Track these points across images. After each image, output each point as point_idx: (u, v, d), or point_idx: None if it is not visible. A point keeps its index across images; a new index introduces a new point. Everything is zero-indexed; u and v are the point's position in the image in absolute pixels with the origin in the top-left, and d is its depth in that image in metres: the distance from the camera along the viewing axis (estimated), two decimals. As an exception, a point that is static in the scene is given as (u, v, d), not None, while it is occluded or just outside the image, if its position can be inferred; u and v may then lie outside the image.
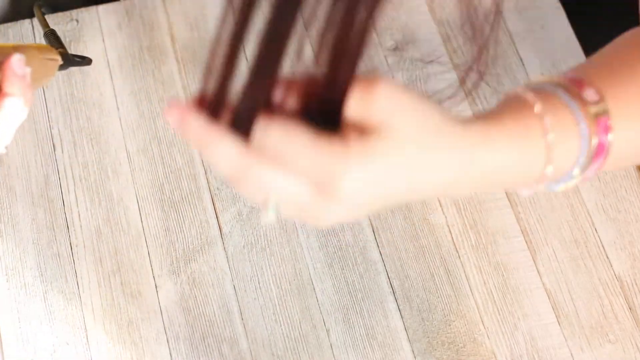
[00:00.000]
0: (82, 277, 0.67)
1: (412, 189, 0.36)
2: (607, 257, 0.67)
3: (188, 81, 0.74)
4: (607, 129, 0.39)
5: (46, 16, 0.77)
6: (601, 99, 0.39)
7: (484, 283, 0.67)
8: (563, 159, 0.39)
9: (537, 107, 0.38)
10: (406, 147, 0.33)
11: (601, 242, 0.68)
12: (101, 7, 0.78)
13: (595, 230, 0.68)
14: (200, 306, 0.66)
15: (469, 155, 0.37)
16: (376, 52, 0.76)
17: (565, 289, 0.66)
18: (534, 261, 0.67)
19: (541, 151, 0.38)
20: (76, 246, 0.68)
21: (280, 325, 0.65)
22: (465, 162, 0.37)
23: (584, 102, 0.39)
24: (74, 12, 0.77)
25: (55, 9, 0.78)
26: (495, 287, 0.67)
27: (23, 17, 0.77)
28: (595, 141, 0.39)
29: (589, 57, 0.45)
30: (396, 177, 0.34)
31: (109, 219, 0.69)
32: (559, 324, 0.65)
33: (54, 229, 0.68)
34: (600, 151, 0.39)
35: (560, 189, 0.42)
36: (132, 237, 0.68)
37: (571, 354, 0.64)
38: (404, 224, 0.68)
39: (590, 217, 0.69)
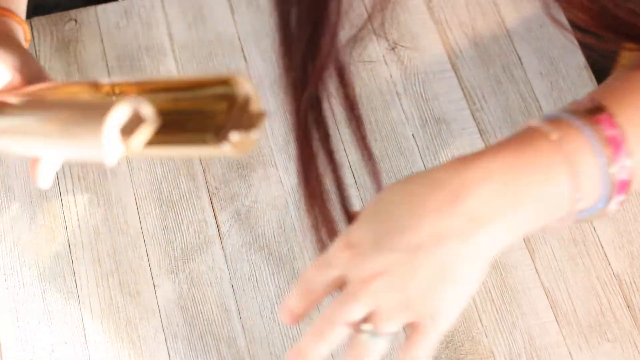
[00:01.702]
0: (81, 276, 0.67)
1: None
2: (606, 256, 0.67)
3: (186, 81, 0.74)
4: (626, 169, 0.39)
5: (45, 16, 0.77)
6: (617, 125, 0.39)
7: (482, 282, 0.67)
8: (588, 186, 0.39)
9: (553, 135, 0.39)
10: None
11: (600, 241, 0.68)
12: (100, 7, 0.78)
13: (594, 229, 0.68)
14: (198, 305, 0.66)
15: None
16: (374, 50, 0.76)
17: (564, 287, 0.66)
18: (532, 260, 0.67)
19: (565, 178, 0.39)
20: (74, 246, 0.68)
21: (279, 325, 0.65)
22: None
23: (598, 126, 0.39)
24: (73, 12, 0.78)
25: (54, 9, 0.78)
26: (493, 285, 0.66)
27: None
28: (614, 169, 0.39)
29: (603, 83, 0.44)
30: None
31: (107, 219, 0.69)
32: (557, 322, 0.65)
33: (52, 229, 0.68)
34: (623, 185, 0.40)
35: (586, 217, 0.42)
36: (131, 237, 0.68)
37: (569, 353, 0.64)
38: (402, 223, 0.68)
39: (589, 215, 0.69)
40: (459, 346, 0.64)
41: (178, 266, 0.67)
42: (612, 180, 0.39)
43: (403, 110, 0.74)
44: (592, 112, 0.40)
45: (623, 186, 0.40)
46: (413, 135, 0.73)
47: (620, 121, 0.39)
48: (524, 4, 0.78)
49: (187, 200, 0.70)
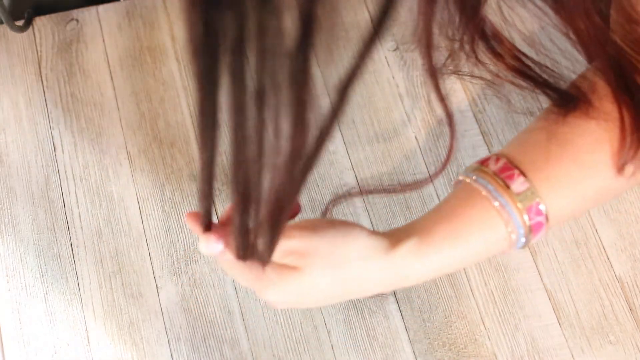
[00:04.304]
0: (83, 278, 0.67)
1: (325, 301, 0.49)
2: (608, 258, 0.68)
3: (188, 82, 0.74)
4: (538, 213, 0.47)
5: (47, 16, 0.77)
6: (529, 187, 0.47)
7: (485, 284, 0.67)
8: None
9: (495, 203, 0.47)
10: (314, 278, 0.46)
11: (602, 243, 0.68)
12: (101, 7, 0.77)
13: (596, 231, 0.68)
14: (201, 307, 0.66)
15: (401, 273, 0.48)
16: (376, 52, 0.76)
17: (566, 289, 0.67)
18: (534, 262, 0.67)
19: (502, 224, 0.47)
20: (77, 247, 0.68)
21: (282, 326, 0.65)
22: (399, 277, 0.48)
23: (512, 196, 0.47)
24: (74, 12, 0.77)
25: (55, 9, 0.77)
26: (496, 287, 0.67)
27: (23, 18, 0.77)
28: (528, 224, 0.47)
29: (516, 138, 0.52)
30: (305, 296, 0.47)
31: (110, 220, 0.69)
32: (560, 325, 0.65)
33: (54, 230, 0.68)
34: (537, 228, 0.48)
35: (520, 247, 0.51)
36: (133, 238, 0.68)
37: (572, 355, 0.64)
38: (405, 225, 0.68)
39: (591, 218, 0.69)
40: (462, 348, 0.64)
41: (181, 268, 0.67)
42: (526, 230, 0.48)
43: (405, 112, 0.73)
44: (507, 177, 0.48)
45: (538, 228, 0.48)
46: (415, 136, 0.73)
47: (533, 180, 0.47)
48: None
49: (190, 202, 0.69)
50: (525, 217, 0.47)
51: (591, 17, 0.44)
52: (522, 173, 0.47)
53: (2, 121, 0.72)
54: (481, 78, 0.54)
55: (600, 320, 0.65)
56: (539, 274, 0.67)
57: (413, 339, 0.65)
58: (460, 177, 0.51)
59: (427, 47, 0.44)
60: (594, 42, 0.46)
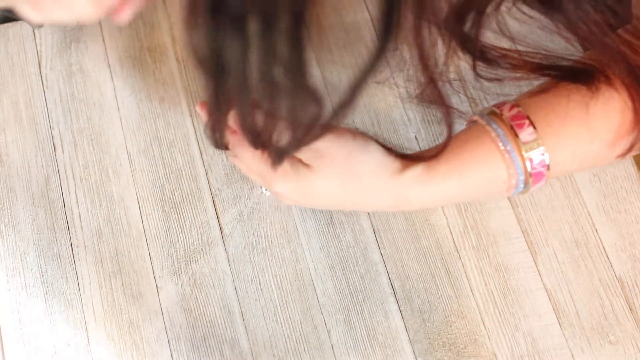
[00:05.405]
0: (83, 278, 0.67)
1: (329, 205, 0.53)
2: (608, 258, 0.68)
3: (189, 81, 0.74)
4: (541, 163, 0.49)
5: (46, 16, 0.77)
6: (536, 138, 0.49)
7: (485, 284, 0.67)
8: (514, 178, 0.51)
9: (500, 145, 0.50)
10: (325, 181, 0.50)
11: (602, 243, 0.68)
12: (101, 7, 0.77)
13: (596, 231, 0.69)
14: (201, 307, 0.66)
15: (403, 196, 0.51)
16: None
17: (566, 289, 0.67)
18: (534, 262, 0.67)
19: (503, 165, 0.50)
20: (77, 247, 0.68)
21: (282, 326, 0.65)
22: (401, 199, 0.51)
23: (519, 144, 0.49)
24: (74, 12, 0.77)
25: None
26: (496, 288, 0.67)
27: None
28: (529, 171, 0.49)
29: (534, 91, 0.54)
30: (311, 196, 0.51)
31: (110, 220, 0.69)
32: (560, 324, 0.65)
33: (54, 230, 0.68)
34: (538, 177, 0.50)
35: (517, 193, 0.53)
36: (133, 238, 0.68)
37: (572, 355, 0.64)
38: (405, 225, 0.69)
39: (591, 218, 0.69)
40: (462, 349, 0.64)
41: (181, 268, 0.67)
42: (526, 177, 0.50)
43: (405, 112, 0.74)
44: (518, 125, 0.50)
45: (538, 177, 0.50)
46: (415, 136, 0.73)
47: (541, 133, 0.49)
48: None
49: (190, 202, 0.69)
50: (528, 165, 0.49)
51: (590, 16, 0.45)
52: (532, 124, 0.49)
53: (2, 121, 0.72)
54: (457, 109, 0.57)
55: (600, 320, 0.65)
56: (539, 274, 0.67)
57: (413, 339, 0.65)
58: (474, 117, 0.53)
59: (425, 70, 0.46)
60: (594, 38, 0.47)
